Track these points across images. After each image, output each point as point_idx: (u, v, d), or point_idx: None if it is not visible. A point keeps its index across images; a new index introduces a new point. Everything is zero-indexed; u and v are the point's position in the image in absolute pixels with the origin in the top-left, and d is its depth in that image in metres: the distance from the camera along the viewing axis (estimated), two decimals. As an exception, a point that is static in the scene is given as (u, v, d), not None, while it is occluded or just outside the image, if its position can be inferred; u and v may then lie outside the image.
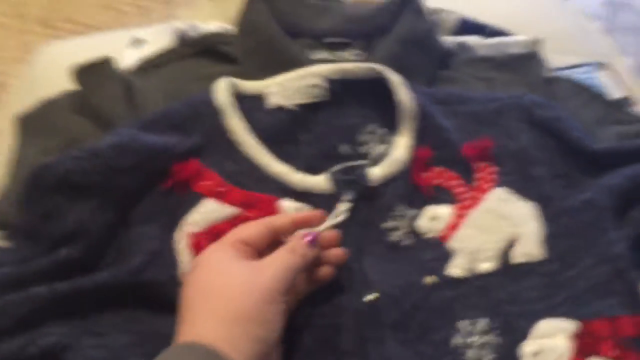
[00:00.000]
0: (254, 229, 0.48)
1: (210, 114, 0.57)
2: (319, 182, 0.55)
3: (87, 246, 0.50)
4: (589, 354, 0.46)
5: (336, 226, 0.52)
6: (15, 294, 0.48)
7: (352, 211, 0.53)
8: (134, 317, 0.49)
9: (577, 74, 0.70)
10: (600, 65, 0.73)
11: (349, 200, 0.53)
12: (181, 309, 0.44)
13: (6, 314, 0.48)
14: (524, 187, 0.55)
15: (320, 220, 0.51)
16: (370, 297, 0.50)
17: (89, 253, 0.50)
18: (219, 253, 0.46)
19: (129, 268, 0.49)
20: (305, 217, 0.51)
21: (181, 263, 0.51)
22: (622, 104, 0.67)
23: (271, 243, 0.49)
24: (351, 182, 0.54)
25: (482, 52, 0.69)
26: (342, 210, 0.53)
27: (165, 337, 0.48)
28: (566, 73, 0.70)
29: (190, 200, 0.54)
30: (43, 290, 0.48)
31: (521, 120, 0.58)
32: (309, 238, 0.48)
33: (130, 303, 0.50)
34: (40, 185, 0.50)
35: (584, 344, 0.47)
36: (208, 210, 0.53)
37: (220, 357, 0.38)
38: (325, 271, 0.50)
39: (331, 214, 0.53)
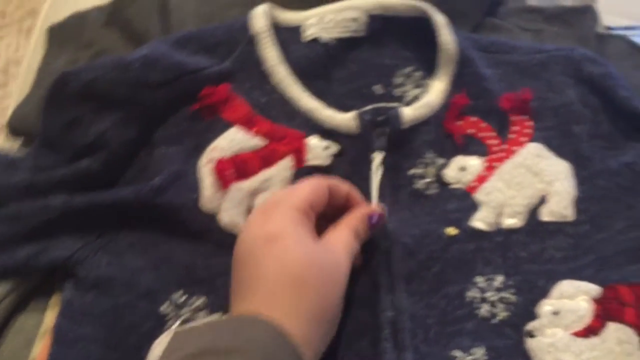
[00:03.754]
0: (320, 191, 0.45)
1: (245, 41, 0.55)
2: (348, 120, 0.53)
3: (108, 160, 0.49)
4: (610, 319, 0.45)
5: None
6: (31, 202, 0.48)
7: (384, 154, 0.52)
8: (151, 241, 0.49)
9: (631, 37, 0.66)
10: (656, 30, 0.69)
11: (381, 149, 0.51)
12: (262, 281, 0.40)
13: (19, 221, 0.48)
14: (561, 144, 0.53)
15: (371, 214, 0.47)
16: (383, 246, 0.49)
17: (109, 168, 0.50)
18: (298, 227, 0.42)
19: (150, 187, 0.48)
20: (359, 202, 0.48)
21: (203, 188, 0.50)
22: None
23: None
24: (380, 123, 0.52)
25: (532, 1, 0.66)
26: (378, 164, 0.51)
27: (180, 265, 0.48)
28: (619, 34, 0.66)
29: (217, 126, 0.52)
30: (60, 201, 0.48)
31: (568, 75, 0.55)
32: (373, 220, 0.46)
33: (147, 225, 0.49)
34: (65, 91, 0.49)
35: (605, 309, 0.45)
36: (235, 138, 0.52)
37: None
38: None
39: (372, 167, 0.51)
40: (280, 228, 0.41)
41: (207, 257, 0.48)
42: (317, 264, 0.40)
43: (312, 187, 0.44)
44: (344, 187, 0.47)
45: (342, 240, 0.44)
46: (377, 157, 0.51)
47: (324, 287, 0.40)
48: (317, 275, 0.40)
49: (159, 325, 0.46)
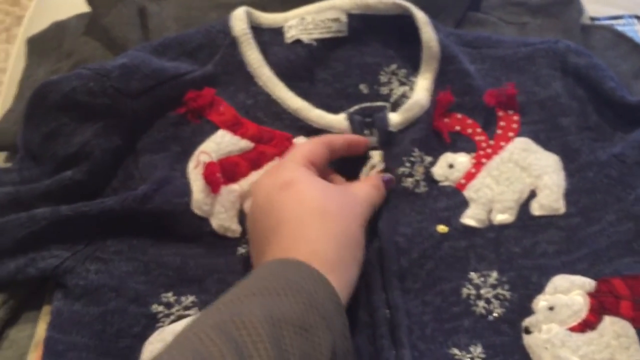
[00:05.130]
0: (318, 149, 0.47)
1: (226, 44, 0.55)
2: (339, 120, 0.52)
3: (92, 170, 0.48)
4: (606, 313, 0.44)
5: None
6: (17, 215, 0.47)
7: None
8: (139, 246, 0.48)
9: (617, 26, 0.66)
10: (641, 19, 0.68)
11: (375, 148, 0.51)
12: (286, 222, 0.42)
13: (6, 234, 0.47)
14: (549, 137, 0.53)
15: (365, 144, 0.51)
16: (375, 246, 0.48)
17: (94, 177, 0.49)
18: (308, 173, 0.45)
19: (134, 196, 0.47)
20: (357, 139, 0.51)
21: (194, 192, 0.49)
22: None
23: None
24: (369, 124, 0.52)
25: (515, -6, 0.65)
26: (378, 160, 0.51)
27: (170, 267, 0.47)
28: (605, 24, 0.65)
29: (204, 129, 0.52)
30: (46, 212, 0.47)
31: (553, 67, 0.55)
32: (387, 178, 0.50)
33: (135, 231, 0.48)
34: (45, 102, 0.48)
35: (601, 302, 0.45)
36: (222, 142, 0.51)
37: (331, 289, 0.38)
38: None
39: (367, 163, 0.51)
40: (292, 175, 0.44)
41: (199, 258, 0.48)
42: (334, 197, 0.44)
43: (310, 146, 0.48)
44: (340, 139, 0.50)
45: (362, 188, 0.47)
46: (375, 156, 0.51)
47: (345, 215, 0.43)
48: (337, 204, 0.43)
49: (150, 325, 0.45)
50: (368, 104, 0.55)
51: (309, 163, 0.46)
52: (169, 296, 0.46)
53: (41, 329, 0.47)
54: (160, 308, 0.46)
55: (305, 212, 0.42)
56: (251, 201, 0.50)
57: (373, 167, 0.51)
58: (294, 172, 0.44)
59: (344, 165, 0.51)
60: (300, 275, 0.37)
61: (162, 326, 0.45)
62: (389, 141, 0.52)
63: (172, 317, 0.46)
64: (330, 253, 0.40)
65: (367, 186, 0.48)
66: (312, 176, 0.45)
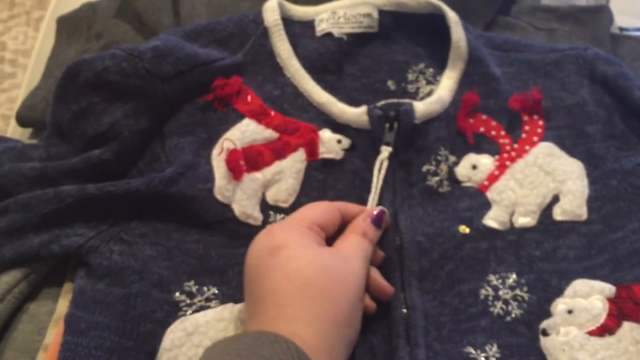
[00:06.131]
0: (329, 213, 0.45)
1: (257, 34, 0.55)
2: (359, 115, 0.52)
3: (120, 150, 0.49)
4: (625, 318, 0.44)
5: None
6: (43, 190, 0.48)
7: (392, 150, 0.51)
8: (163, 231, 0.48)
9: (644, 37, 0.66)
10: (669, 31, 0.68)
11: (389, 143, 0.51)
12: (270, 293, 0.39)
13: (31, 209, 0.47)
14: (574, 143, 0.53)
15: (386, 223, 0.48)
16: (396, 243, 0.48)
17: (121, 157, 0.49)
18: (302, 237, 0.42)
19: (161, 178, 0.48)
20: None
21: (217, 178, 0.49)
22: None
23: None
24: (392, 119, 0.52)
25: (546, 0, 0.65)
26: (385, 157, 0.50)
27: (193, 255, 0.48)
28: (634, 34, 0.65)
29: (230, 117, 0.52)
30: (72, 190, 0.47)
31: (581, 74, 0.55)
32: (376, 214, 0.47)
33: (160, 215, 0.48)
34: (77, 80, 0.48)
35: (620, 308, 0.45)
36: (247, 130, 0.52)
37: None
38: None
39: (376, 160, 0.50)
40: (283, 239, 0.42)
41: (221, 247, 0.48)
42: (324, 267, 0.40)
43: (322, 209, 0.45)
44: (354, 208, 0.48)
45: (351, 243, 0.44)
46: (384, 151, 0.51)
47: (335, 289, 0.39)
48: (325, 278, 0.40)
49: (172, 312, 0.45)
50: (395, 100, 0.56)
51: (315, 226, 0.44)
52: (191, 285, 0.46)
53: (62, 306, 0.47)
54: (183, 297, 0.46)
55: (289, 285, 0.39)
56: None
57: (382, 162, 0.50)
58: (287, 235, 0.42)
59: (364, 162, 0.51)
60: (275, 351, 0.35)
61: (184, 315, 0.45)
62: (412, 136, 0.52)
63: (194, 307, 0.46)
64: (310, 336, 0.37)
65: (356, 239, 0.44)
66: (305, 239, 0.42)
